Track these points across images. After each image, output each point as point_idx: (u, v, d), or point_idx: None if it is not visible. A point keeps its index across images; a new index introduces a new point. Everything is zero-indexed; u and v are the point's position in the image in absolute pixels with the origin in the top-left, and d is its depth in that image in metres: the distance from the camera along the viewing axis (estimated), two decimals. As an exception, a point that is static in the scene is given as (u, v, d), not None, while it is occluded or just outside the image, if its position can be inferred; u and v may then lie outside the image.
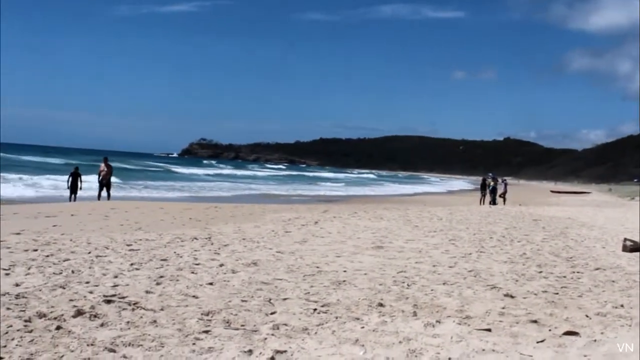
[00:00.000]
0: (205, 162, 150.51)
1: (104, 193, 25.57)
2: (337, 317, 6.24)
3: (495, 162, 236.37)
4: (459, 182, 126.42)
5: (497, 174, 38.38)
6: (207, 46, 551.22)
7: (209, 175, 79.80)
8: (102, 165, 25.99)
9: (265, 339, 5.39)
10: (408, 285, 8.03)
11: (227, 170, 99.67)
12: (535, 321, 6.26)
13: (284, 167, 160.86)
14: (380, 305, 6.84)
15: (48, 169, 54.12)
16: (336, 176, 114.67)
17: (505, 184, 36.49)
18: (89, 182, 26.59)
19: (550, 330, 5.93)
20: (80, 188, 25.15)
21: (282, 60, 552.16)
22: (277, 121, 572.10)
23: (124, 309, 6.10)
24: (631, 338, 5.58)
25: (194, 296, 6.86)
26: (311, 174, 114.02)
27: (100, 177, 25.67)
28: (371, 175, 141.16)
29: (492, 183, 35.36)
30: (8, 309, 5.80)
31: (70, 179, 25.11)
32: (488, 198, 34.73)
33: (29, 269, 7.88)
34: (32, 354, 4.68)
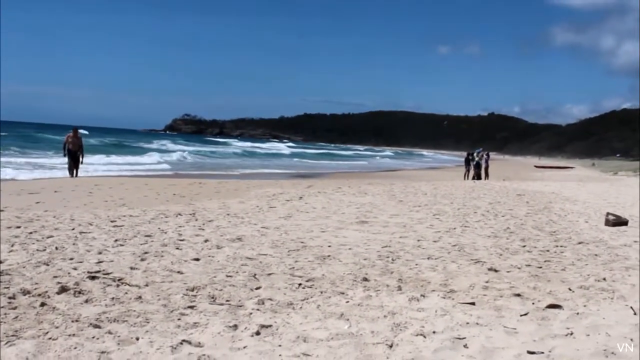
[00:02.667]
0: (222, 140, 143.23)
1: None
2: (322, 292, 6.26)
3: (480, 137, 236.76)
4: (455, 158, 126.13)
5: (481, 149, 38.44)
6: (189, 22, 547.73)
7: (242, 152, 78.49)
8: (71, 134, 24.22)
9: (251, 313, 5.41)
10: (393, 259, 8.06)
11: (253, 149, 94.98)
12: (518, 295, 6.31)
13: (293, 145, 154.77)
14: (365, 279, 6.87)
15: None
16: (357, 153, 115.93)
17: (486, 159, 36.41)
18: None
19: (533, 303, 5.98)
20: (82, 162, 24.45)
21: (266, 36, 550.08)
22: (261, 96, 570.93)
23: (108, 285, 6.08)
24: (613, 311, 5.65)
25: (178, 272, 6.85)
26: (334, 151, 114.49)
27: (69, 147, 23.90)
28: (389, 153, 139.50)
29: (476, 158, 35.47)
30: (-9, 285, 5.76)
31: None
32: (472, 173, 34.86)
33: (12, 246, 7.82)
34: (16, 331, 4.66)
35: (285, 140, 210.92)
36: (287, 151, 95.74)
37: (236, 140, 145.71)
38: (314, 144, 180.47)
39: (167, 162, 45.32)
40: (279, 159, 67.93)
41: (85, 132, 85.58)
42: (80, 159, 24.40)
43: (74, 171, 24.12)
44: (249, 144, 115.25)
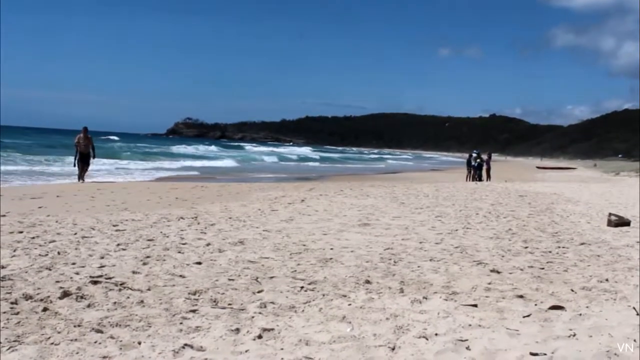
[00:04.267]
0: (244, 144, 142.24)
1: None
2: (324, 295, 6.26)
3: (482, 139, 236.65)
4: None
5: (481, 151, 38.43)
6: (189, 25, 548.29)
7: (279, 157, 78.47)
8: (81, 135, 23.56)
9: (253, 317, 5.40)
10: (395, 262, 8.05)
11: (277, 153, 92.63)
12: (521, 296, 6.30)
13: (311, 149, 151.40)
14: (367, 282, 6.86)
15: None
16: (381, 156, 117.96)
17: (487, 161, 36.20)
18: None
19: (536, 305, 5.97)
20: (93, 161, 24.00)
21: (267, 39, 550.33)
22: (262, 99, 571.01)
23: (110, 290, 6.09)
24: (616, 312, 5.63)
25: (180, 276, 6.86)
26: (355, 155, 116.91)
27: (79, 149, 23.25)
28: (406, 156, 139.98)
29: (478, 160, 35.45)
30: (-6, 291, 5.77)
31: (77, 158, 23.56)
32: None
33: (14, 251, 7.83)
34: (18, 336, 4.66)
35: (288, 144, 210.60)
36: (315, 155, 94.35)
37: (249, 144, 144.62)
38: (321, 147, 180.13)
39: (228, 167, 48.53)
40: (314, 163, 71.64)
41: (116, 137, 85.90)
42: (91, 160, 23.83)
43: (82, 175, 23.52)
44: (266, 148, 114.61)
